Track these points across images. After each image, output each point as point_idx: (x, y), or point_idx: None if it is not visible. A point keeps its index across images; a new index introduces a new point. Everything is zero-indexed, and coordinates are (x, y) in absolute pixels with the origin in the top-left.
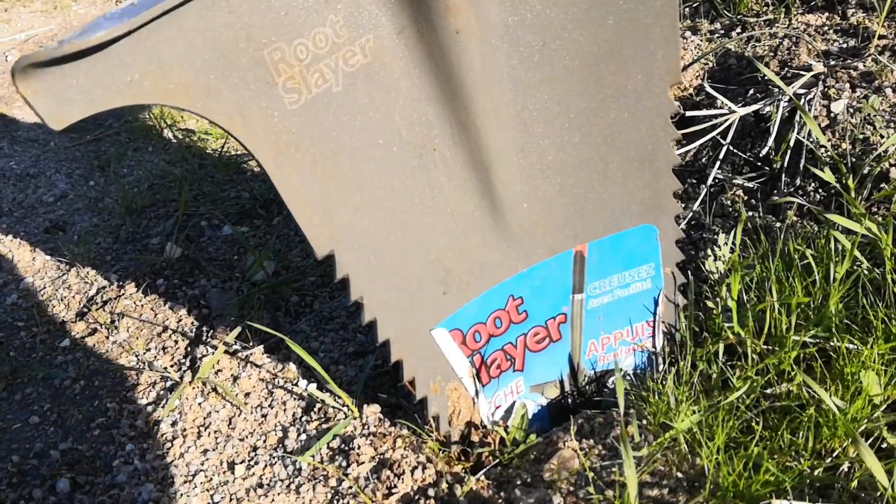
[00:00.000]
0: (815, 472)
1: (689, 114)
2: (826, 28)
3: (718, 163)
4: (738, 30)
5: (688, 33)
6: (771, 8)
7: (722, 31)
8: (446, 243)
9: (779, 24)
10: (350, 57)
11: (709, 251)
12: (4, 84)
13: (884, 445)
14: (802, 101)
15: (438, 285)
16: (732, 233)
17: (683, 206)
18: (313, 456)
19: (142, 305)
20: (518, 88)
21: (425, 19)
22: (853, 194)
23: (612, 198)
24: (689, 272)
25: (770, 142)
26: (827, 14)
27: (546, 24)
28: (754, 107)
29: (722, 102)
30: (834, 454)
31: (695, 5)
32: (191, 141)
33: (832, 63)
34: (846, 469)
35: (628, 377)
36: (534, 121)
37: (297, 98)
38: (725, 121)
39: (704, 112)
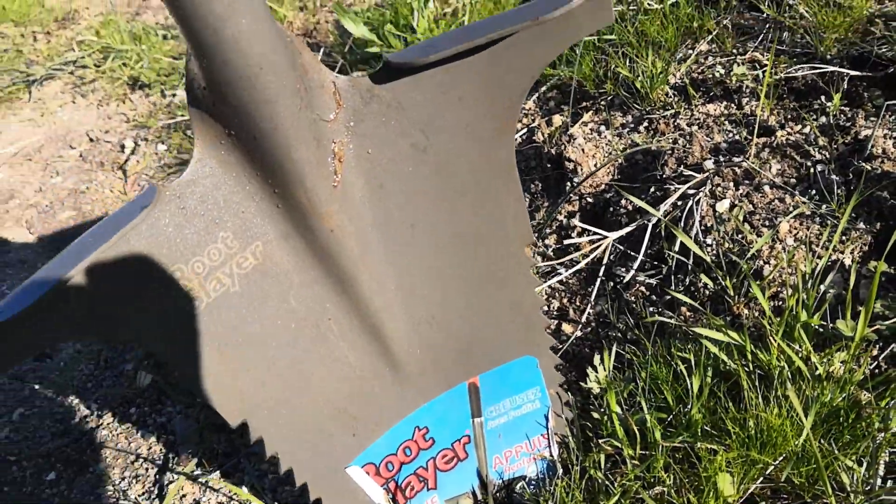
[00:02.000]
0: None
1: (566, 242)
2: (723, 119)
3: (602, 270)
4: (646, 123)
5: (602, 128)
6: (675, 100)
7: (632, 125)
8: (350, 394)
9: (681, 116)
10: (243, 262)
11: (590, 369)
12: None
13: None
14: (690, 201)
15: (347, 430)
16: (607, 354)
17: (590, 306)
18: None
19: (117, 435)
20: (396, 264)
21: (303, 224)
22: (732, 292)
23: (493, 338)
24: (573, 389)
25: (658, 246)
26: (725, 103)
27: (412, 214)
28: (628, 228)
29: (593, 231)
30: None
31: (609, 99)
32: None
33: (720, 160)
34: None
35: (531, 484)
36: (415, 286)
37: (199, 304)
38: (601, 244)
39: (579, 240)
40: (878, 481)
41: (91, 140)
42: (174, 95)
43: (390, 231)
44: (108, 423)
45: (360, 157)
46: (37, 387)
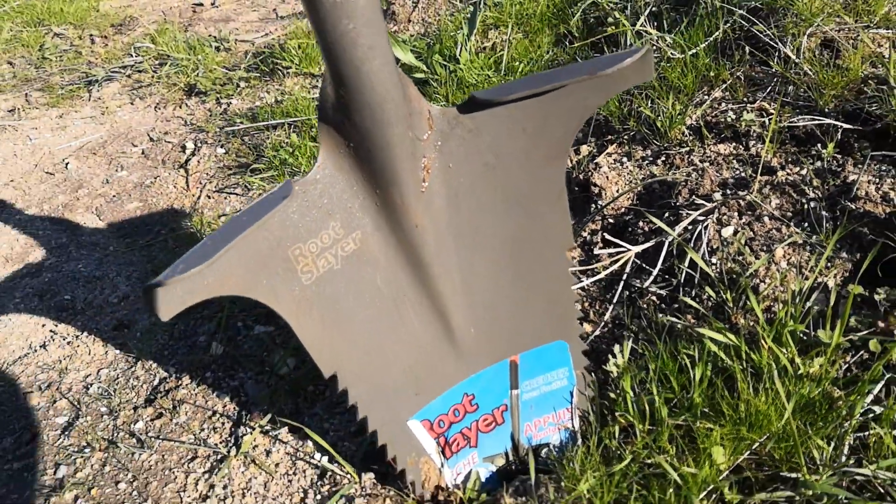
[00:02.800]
0: None
1: (595, 251)
2: (731, 158)
3: (625, 278)
4: (664, 157)
5: (624, 159)
6: (690, 139)
7: (651, 158)
8: (417, 360)
9: (695, 153)
10: (346, 245)
11: (610, 356)
12: (67, 191)
13: (726, 499)
14: (699, 227)
15: (412, 390)
16: (625, 344)
17: (609, 307)
18: None
19: (195, 394)
20: (462, 258)
21: (395, 220)
22: (732, 304)
23: (534, 324)
24: (594, 373)
25: (669, 263)
26: (734, 144)
27: (478, 219)
28: (649, 244)
29: (619, 243)
30: None
31: (632, 134)
32: None
33: (727, 192)
34: None
35: (554, 449)
36: (474, 277)
37: (310, 276)
38: (624, 256)
39: (607, 251)
40: (843, 458)
41: (152, 140)
42: (229, 104)
43: (460, 231)
44: (186, 384)
45: (443, 170)
46: (118, 352)
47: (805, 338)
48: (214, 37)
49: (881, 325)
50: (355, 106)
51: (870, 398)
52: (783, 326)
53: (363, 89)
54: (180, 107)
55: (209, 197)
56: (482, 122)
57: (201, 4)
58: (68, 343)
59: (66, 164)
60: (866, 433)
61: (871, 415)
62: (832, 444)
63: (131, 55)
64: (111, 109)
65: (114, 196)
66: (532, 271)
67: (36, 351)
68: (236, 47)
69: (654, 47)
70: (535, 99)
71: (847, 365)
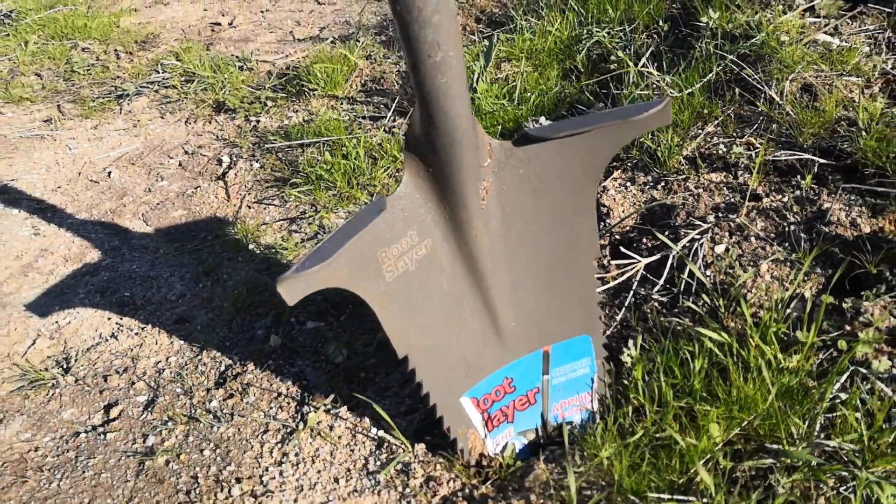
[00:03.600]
0: (680, 481)
1: (609, 262)
2: (722, 185)
3: (634, 286)
4: (663, 183)
5: (628, 183)
6: (686, 167)
7: (652, 183)
8: (469, 348)
9: (691, 180)
10: (419, 251)
11: (624, 348)
12: (112, 198)
13: (720, 466)
14: (695, 245)
15: (464, 372)
16: (637, 339)
17: (618, 312)
18: (386, 473)
19: (261, 378)
20: (510, 265)
21: (459, 232)
22: (724, 309)
23: (564, 320)
24: (612, 363)
25: (670, 275)
26: (724, 173)
27: (524, 233)
28: (655, 257)
29: (630, 255)
30: (690, 472)
31: (635, 162)
32: (270, 253)
33: (719, 215)
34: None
35: (577, 427)
36: (519, 281)
37: (392, 275)
38: (634, 267)
39: (620, 261)
40: (816, 433)
41: (187, 153)
42: (258, 121)
43: (510, 243)
44: (251, 370)
45: (498, 192)
46: (183, 342)
47: (786, 338)
48: (237, 56)
49: (848, 328)
50: (440, 140)
51: (837, 386)
52: (767, 328)
53: (448, 128)
54: (210, 122)
55: (249, 207)
56: (532, 154)
57: (219, 24)
58: (136, 334)
59: (109, 172)
60: (834, 414)
61: (838, 400)
62: (807, 423)
63: (157, 71)
64: (143, 122)
65: (158, 204)
66: (565, 276)
67: (107, 340)
68: (258, 67)
69: (654, 86)
70: (577, 136)
71: (820, 360)
